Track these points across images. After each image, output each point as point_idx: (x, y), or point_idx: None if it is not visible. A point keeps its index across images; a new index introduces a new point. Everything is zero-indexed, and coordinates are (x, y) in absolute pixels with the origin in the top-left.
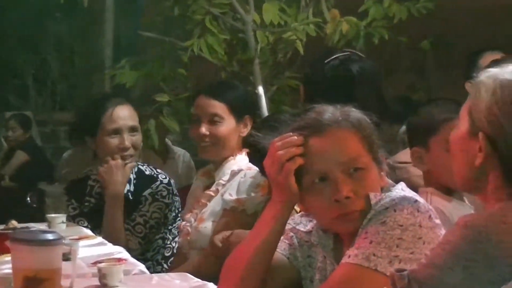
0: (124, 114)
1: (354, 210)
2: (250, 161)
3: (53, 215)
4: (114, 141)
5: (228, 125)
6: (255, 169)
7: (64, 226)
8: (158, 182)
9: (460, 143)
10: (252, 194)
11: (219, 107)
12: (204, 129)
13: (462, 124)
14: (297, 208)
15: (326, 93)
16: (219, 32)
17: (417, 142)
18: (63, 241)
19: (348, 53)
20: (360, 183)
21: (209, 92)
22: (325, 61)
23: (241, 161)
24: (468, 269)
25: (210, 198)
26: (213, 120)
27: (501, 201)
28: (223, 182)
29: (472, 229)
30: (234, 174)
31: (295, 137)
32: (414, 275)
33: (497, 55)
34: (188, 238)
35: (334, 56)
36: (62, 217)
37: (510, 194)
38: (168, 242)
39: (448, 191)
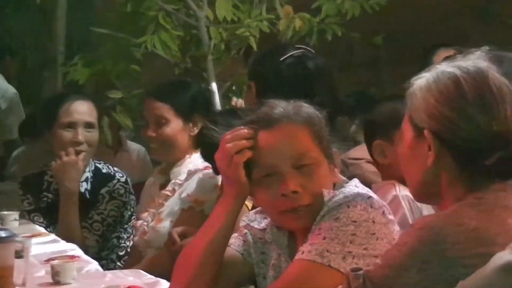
0: (81, 109)
1: (302, 204)
2: (203, 157)
3: (5, 212)
4: (67, 134)
5: (174, 126)
6: None
7: (16, 223)
8: (115, 181)
9: (409, 152)
10: (210, 194)
11: (164, 109)
12: (150, 131)
13: (406, 134)
14: (249, 204)
15: (283, 91)
16: (172, 29)
17: (380, 135)
18: (16, 238)
19: (302, 50)
20: (308, 178)
21: (155, 94)
22: (280, 59)
23: (197, 160)
24: (423, 270)
25: (166, 197)
26: (159, 122)
27: (457, 201)
28: (180, 182)
29: (428, 231)
30: (191, 173)
31: (245, 130)
32: (369, 275)
33: (450, 52)
34: (145, 237)
35: (288, 54)
36: (14, 215)
37: (464, 193)
38: (123, 242)
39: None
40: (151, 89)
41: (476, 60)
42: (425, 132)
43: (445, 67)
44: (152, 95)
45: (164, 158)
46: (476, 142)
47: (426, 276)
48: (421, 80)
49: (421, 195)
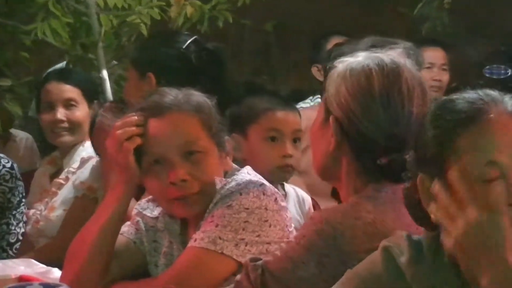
0: None
1: (191, 193)
2: (94, 148)
3: None
4: None
5: (83, 110)
6: None
7: None
8: (1, 167)
9: (317, 133)
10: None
11: (73, 91)
12: (59, 114)
13: (319, 115)
14: None
15: (192, 80)
16: (62, 15)
17: (236, 129)
18: None
19: (192, 35)
20: (197, 166)
21: (61, 77)
22: (182, 47)
23: (90, 148)
24: (321, 264)
25: (60, 186)
26: (69, 104)
27: (356, 191)
28: (73, 170)
29: (326, 225)
30: (84, 161)
31: (135, 117)
32: (268, 266)
33: (341, 40)
34: (38, 226)
35: (187, 41)
36: None
37: (363, 185)
38: (13, 228)
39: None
40: (53, 73)
41: (397, 57)
42: (331, 118)
43: (366, 58)
44: (58, 78)
45: (68, 142)
46: (373, 140)
47: (324, 269)
48: (341, 65)
49: (323, 175)
